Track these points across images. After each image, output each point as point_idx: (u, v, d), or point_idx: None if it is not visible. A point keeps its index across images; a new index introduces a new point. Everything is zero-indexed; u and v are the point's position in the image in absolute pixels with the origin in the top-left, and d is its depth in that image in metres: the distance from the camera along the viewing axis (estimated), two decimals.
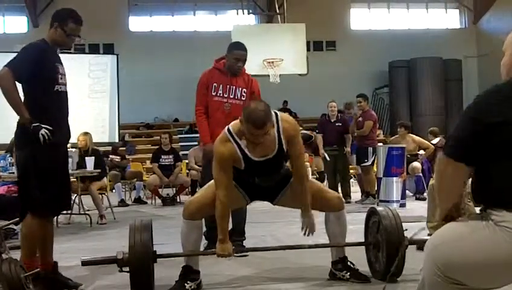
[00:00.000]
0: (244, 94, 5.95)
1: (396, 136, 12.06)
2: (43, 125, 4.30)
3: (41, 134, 4.28)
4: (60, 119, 4.58)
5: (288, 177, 4.49)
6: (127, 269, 4.19)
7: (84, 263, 4.41)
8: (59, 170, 4.57)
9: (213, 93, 5.87)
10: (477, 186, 2.34)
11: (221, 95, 5.87)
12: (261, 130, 4.02)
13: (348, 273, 4.52)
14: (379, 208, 4.72)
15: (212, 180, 4.41)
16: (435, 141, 12.20)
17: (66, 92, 4.70)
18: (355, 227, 6.98)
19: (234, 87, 5.89)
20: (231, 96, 5.88)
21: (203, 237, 5.68)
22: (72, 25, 4.64)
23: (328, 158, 11.24)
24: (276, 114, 4.27)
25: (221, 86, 5.87)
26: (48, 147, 4.32)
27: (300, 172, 4.41)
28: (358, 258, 4.71)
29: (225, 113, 5.84)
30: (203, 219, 4.71)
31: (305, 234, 4.46)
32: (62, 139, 4.64)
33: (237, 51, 5.89)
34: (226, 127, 4.31)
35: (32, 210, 4.41)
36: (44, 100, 4.45)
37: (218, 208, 4.20)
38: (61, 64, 4.67)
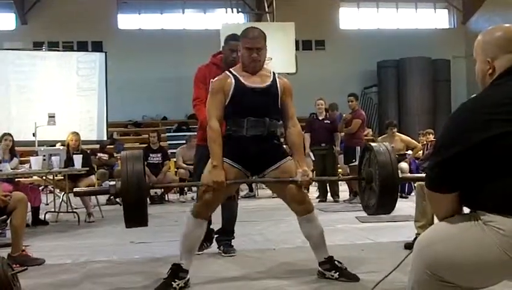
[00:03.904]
0: None
1: (385, 135, 12.09)
2: None
3: None
4: None
5: (283, 155, 4.51)
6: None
7: (76, 194, 4.37)
8: None
9: (210, 90, 5.79)
10: (465, 192, 2.33)
11: None
12: (255, 40, 4.39)
13: (337, 273, 4.52)
14: (373, 144, 4.69)
15: (204, 170, 4.41)
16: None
17: None
18: (343, 226, 7.01)
19: None
20: None
21: None
22: None
23: (313, 158, 11.24)
24: (274, 72, 4.59)
25: None
26: None
27: (296, 132, 4.50)
28: (347, 258, 4.71)
29: None
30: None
31: (301, 182, 4.37)
32: None
33: (232, 41, 5.66)
34: None
35: None
36: None
37: (210, 134, 4.29)
38: None
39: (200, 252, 5.68)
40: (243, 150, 4.39)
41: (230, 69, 4.50)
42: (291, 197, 4.45)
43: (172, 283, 4.31)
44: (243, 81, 4.37)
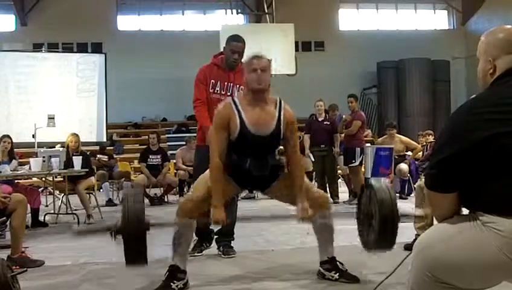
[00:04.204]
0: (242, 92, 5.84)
1: (385, 136, 12.10)
2: None
3: None
4: None
5: (280, 170, 4.53)
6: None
7: (78, 232, 4.38)
8: None
9: (211, 90, 5.75)
10: (464, 192, 2.33)
11: (218, 92, 5.73)
12: (260, 60, 4.29)
13: (337, 274, 4.52)
14: (373, 181, 4.68)
15: (201, 175, 4.43)
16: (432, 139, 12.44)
17: None
18: (343, 227, 7.00)
19: (232, 84, 5.75)
20: (228, 94, 5.71)
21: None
22: None
23: (312, 159, 11.23)
24: (280, 99, 4.46)
25: (219, 82, 5.74)
26: None
27: (296, 161, 4.47)
28: (347, 260, 4.71)
29: None
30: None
31: (301, 219, 4.40)
32: None
33: (234, 42, 5.71)
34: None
35: None
36: None
37: (212, 172, 4.24)
38: None
39: (199, 254, 5.69)
40: (243, 178, 4.46)
41: (235, 100, 4.36)
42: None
43: (171, 284, 4.31)
44: (248, 126, 4.26)
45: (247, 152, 4.35)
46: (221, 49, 5.97)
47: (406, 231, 6.14)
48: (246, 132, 4.27)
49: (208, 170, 4.36)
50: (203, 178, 4.40)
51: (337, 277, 4.51)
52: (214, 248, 5.80)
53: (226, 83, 5.76)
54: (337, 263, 4.57)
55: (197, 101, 5.77)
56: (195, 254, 5.57)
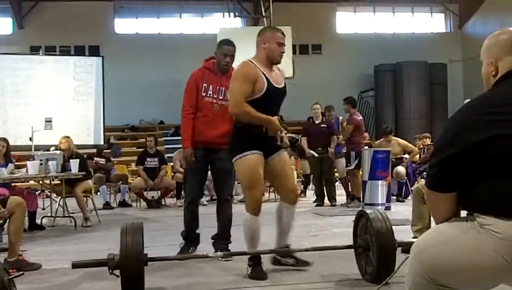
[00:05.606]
0: None
1: (382, 139, 12.10)
2: None
3: None
4: None
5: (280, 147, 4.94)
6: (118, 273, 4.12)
7: (75, 266, 4.35)
8: None
9: (203, 94, 5.75)
10: (462, 194, 2.33)
11: (210, 95, 5.74)
12: (284, 38, 4.87)
13: (292, 259, 4.95)
14: (368, 211, 4.70)
15: (242, 178, 4.85)
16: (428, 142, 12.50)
17: None
18: (340, 230, 7.01)
19: (224, 88, 5.74)
20: (220, 98, 5.75)
21: (181, 236, 5.80)
22: None
23: (316, 154, 11.15)
24: None
25: (211, 86, 5.75)
26: None
27: None
28: (344, 262, 4.70)
29: (214, 113, 5.74)
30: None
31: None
32: None
33: (225, 46, 5.79)
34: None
35: None
36: None
37: (244, 110, 4.67)
38: None
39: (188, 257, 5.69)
40: (259, 142, 4.77)
41: (253, 62, 4.79)
42: (290, 187, 5.00)
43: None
44: (272, 81, 4.73)
45: (267, 111, 4.70)
46: (214, 54, 5.99)
47: (403, 234, 6.16)
48: (271, 87, 4.73)
49: (244, 167, 4.78)
50: (245, 176, 4.80)
51: (292, 262, 4.94)
52: (212, 250, 5.79)
53: (218, 87, 5.79)
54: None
55: (186, 112, 5.80)
56: (190, 255, 5.61)
